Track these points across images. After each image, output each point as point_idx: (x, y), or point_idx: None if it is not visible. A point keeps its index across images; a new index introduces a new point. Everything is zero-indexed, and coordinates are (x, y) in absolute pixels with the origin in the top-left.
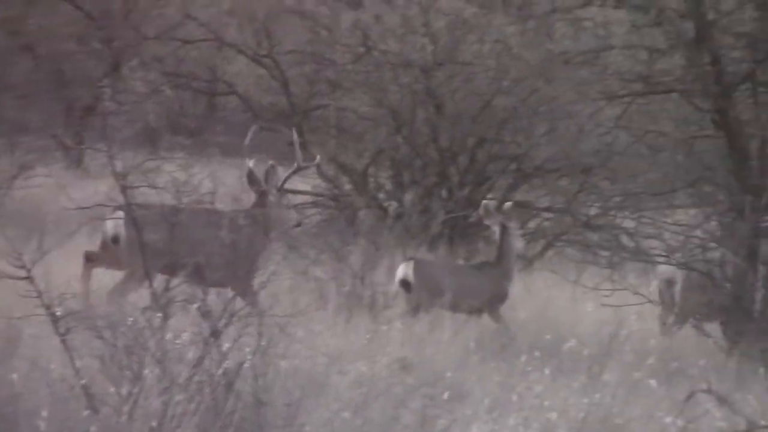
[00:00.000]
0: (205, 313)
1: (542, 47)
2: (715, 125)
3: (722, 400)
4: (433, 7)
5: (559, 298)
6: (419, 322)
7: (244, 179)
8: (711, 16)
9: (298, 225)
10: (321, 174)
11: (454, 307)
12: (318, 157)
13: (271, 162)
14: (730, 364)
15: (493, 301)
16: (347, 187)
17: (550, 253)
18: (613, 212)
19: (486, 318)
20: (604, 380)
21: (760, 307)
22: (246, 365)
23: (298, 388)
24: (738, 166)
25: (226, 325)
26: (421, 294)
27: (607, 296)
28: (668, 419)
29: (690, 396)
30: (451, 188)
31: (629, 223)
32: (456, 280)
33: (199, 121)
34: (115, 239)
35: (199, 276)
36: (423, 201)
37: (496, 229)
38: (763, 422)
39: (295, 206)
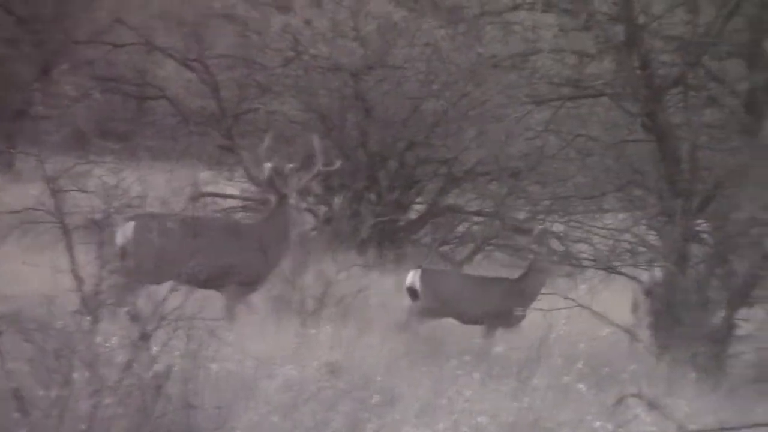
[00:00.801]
0: (135, 317)
1: (472, 51)
2: (645, 129)
3: (652, 405)
4: (362, 11)
5: None
6: (349, 325)
7: (264, 182)
8: (641, 19)
9: (315, 229)
10: (251, 178)
11: (461, 317)
12: (339, 162)
13: (291, 165)
14: (661, 368)
15: (495, 318)
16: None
17: (479, 256)
18: (542, 216)
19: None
20: (534, 384)
21: (690, 311)
22: (175, 368)
23: (228, 392)
24: (668, 170)
25: (156, 328)
26: (427, 302)
27: (536, 300)
28: (598, 423)
29: (620, 400)
30: (380, 192)
31: (559, 227)
32: (463, 290)
33: (128, 125)
34: (123, 250)
35: (220, 284)
36: (352, 205)
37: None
38: (693, 426)
39: (225, 210)
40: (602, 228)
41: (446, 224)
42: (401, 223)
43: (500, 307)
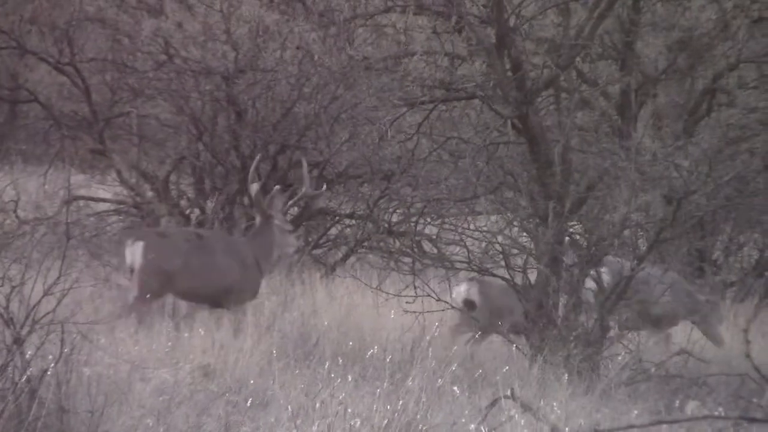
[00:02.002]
0: (8, 321)
1: (343, 54)
2: (516, 131)
3: (526, 407)
4: (234, 15)
5: (362, 305)
6: (221, 329)
7: (252, 202)
8: (512, 22)
9: (299, 250)
10: (123, 181)
11: (514, 328)
12: (324, 186)
13: (277, 186)
14: (534, 370)
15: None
16: (149, 194)
17: (352, 259)
18: (414, 219)
19: (292, 325)
20: (408, 387)
21: (563, 313)
22: (49, 373)
23: (102, 395)
24: (540, 172)
25: (29, 332)
26: (484, 315)
27: (409, 303)
28: (472, 426)
29: (493, 402)
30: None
31: (431, 230)
32: (515, 301)
33: (0, 129)
34: (131, 268)
35: (217, 301)
36: (225, 208)
37: None
38: (566, 428)
39: (98, 214)
40: (475, 230)
41: (319, 227)
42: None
43: None
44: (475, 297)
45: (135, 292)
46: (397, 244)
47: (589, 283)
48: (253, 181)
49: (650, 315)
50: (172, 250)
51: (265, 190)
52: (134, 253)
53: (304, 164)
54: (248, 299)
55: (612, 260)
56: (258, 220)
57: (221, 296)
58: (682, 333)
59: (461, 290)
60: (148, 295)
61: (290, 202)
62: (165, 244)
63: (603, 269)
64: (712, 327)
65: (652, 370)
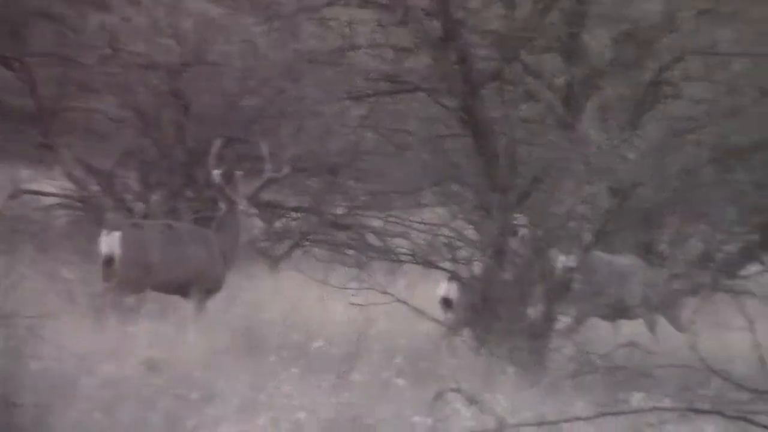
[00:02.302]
0: None
1: (288, 47)
2: (462, 124)
3: (471, 399)
4: (179, 9)
5: (307, 298)
6: (167, 322)
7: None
8: (458, 14)
9: (265, 233)
10: (68, 175)
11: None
12: (286, 168)
13: (240, 172)
14: (479, 363)
15: None
16: (95, 188)
17: (297, 252)
18: (359, 211)
19: (238, 319)
20: (353, 380)
21: (508, 306)
22: None
23: (48, 389)
24: (485, 164)
25: None
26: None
27: (354, 295)
28: (417, 418)
29: (439, 395)
30: (197, 189)
31: (376, 222)
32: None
33: None
34: (109, 260)
35: (186, 292)
36: (170, 201)
37: None
38: (512, 421)
39: (44, 208)
40: (420, 223)
41: (264, 220)
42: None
43: None
44: (453, 295)
45: (117, 285)
46: (343, 236)
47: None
48: (214, 167)
49: (624, 306)
50: (149, 242)
51: (227, 176)
52: (112, 243)
53: (264, 147)
54: (213, 290)
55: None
56: (222, 207)
57: (188, 286)
58: (628, 325)
59: (441, 289)
60: (128, 288)
61: (256, 187)
62: (141, 236)
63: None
64: (677, 314)
65: (598, 362)
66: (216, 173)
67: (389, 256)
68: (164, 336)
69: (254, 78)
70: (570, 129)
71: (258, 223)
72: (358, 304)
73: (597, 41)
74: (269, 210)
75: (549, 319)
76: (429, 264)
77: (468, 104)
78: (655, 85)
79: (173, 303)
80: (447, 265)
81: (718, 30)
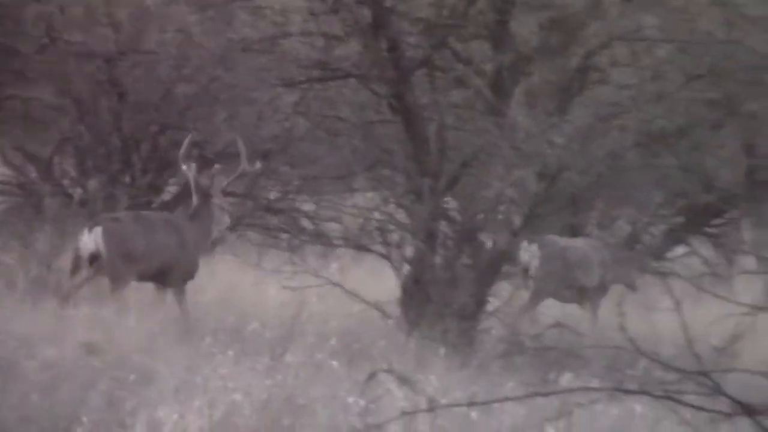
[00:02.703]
0: None
1: (222, 36)
2: (392, 110)
3: (403, 380)
4: None
5: (242, 282)
6: (106, 306)
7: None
8: (388, 2)
9: (232, 227)
10: (7, 162)
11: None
12: (259, 164)
13: (216, 166)
14: (411, 344)
15: None
16: (33, 174)
17: (232, 236)
18: (292, 196)
19: (174, 302)
20: (287, 361)
21: (439, 288)
22: None
23: None
24: (416, 149)
25: None
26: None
27: (288, 279)
28: (350, 399)
29: (371, 376)
30: (134, 175)
31: (309, 207)
32: None
33: None
34: (94, 256)
35: (163, 279)
36: (107, 187)
37: None
38: (443, 401)
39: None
40: (352, 207)
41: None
42: (155, 205)
43: None
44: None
45: (109, 280)
46: (276, 221)
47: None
48: (185, 160)
49: (586, 288)
50: (129, 233)
51: (145, 170)
52: (96, 238)
53: (240, 142)
54: (187, 279)
55: (545, 237)
56: (195, 199)
57: (162, 275)
58: (557, 306)
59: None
60: (122, 281)
61: (229, 180)
62: (122, 228)
63: (534, 245)
64: (634, 282)
65: (527, 343)
66: (188, 167)
67: (322, 239)
68: (103, 319)
69: (189, 66)
70: (498, 115)
71: (225, 219)
72: (292, 288)
73: (524, 28)
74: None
75: (479, 300)
76: (361, 247)
77: (398, 91)
78: (582, 71)
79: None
80: (379, 248)
81: (644, 16)
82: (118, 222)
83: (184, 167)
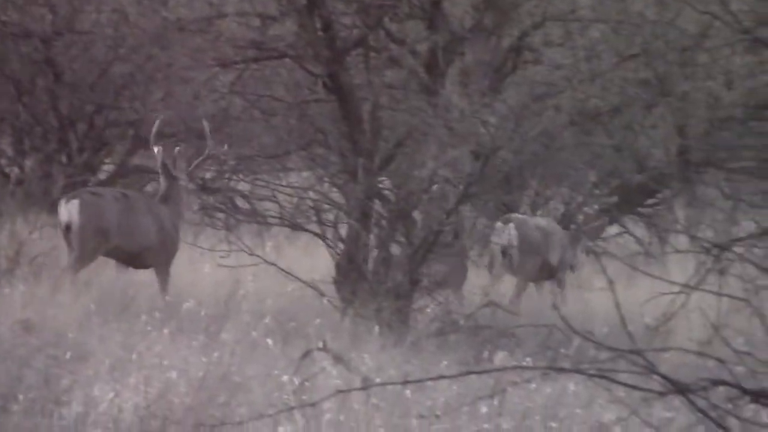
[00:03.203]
0: None
1: (158, 16)
2: (327, 90)
3: (337, 358)
4: None
5: (178, 260)
6: (42, 284)
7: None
8: None
9: (202, 208)
10: None
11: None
12: (226, 146)
13: (178, 148)
14: (345, 323)
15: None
16: None
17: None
18: (228, 175)
19: (109, 280)
20: (223, 339)
21: (373, 267)
22: None
23: None
24: (350, 129)
25: None
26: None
27: (223, 257)
28: (285, 377)
29: (306, 354)
30: (70, 154)
31: (244, 186)
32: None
33: None
34: (68, 227)
35: (140, 260)
36: (43, 167)
37: None
38: (378, 380)
39: None
40: (287, 186)
41: (135, 184)
42: (91, 184)
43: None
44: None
45: (76, 252)
46: (212, 200)
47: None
48: (155, 143)
49: (552, 266)
50: (106, 208)
51: (81, 149)
52: (71, 211)
53: (206, 125)
54: (169, 261)
55: (518, 217)
56: (163, 182)
57: (139, 256)
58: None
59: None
60: (88, 255)
61: (195, 162)
62: (99, 203)
63: (511, 225)
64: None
65: (461, 321)
66: (158, 149)
67: (257, 219)
68: (39, 297)
69: (125, 46)
70: (432, 94)
71: (194, 200)
72: (228, 266)
73: (458, 8)
74: (139, 174)
75: (413, 279)
76: (296, 226)
77: (333, 71)
78: (516, 51)
79: (48, 265)
80: (313, 227)
81: None
82: (98, 196)
83: (154, 150)
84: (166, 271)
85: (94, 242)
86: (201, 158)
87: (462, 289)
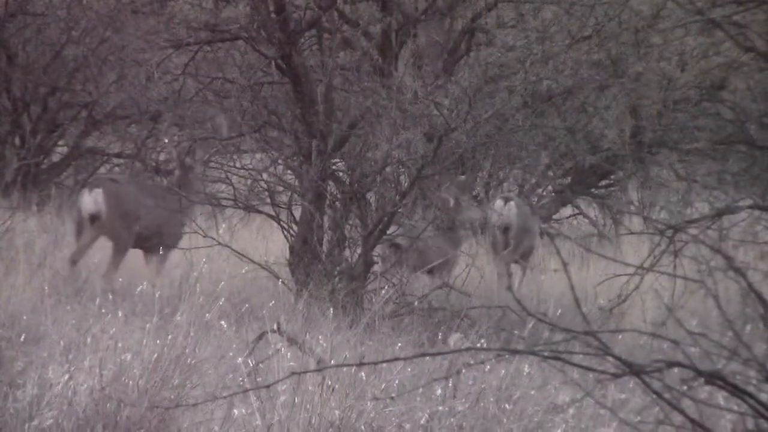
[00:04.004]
0: None
1: None
2: (280, 72)
3: (291, 340)
4: None
5: None
6: None
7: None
8: None
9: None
10: None
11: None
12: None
13: (195, 139)
14: (299, 305)
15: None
16: None
17: None
18: (183, 157)
19: (61, 262)
20: (177, 322)
21: (327, 249)
22: None
23: None
24: (304, 111)
25: None
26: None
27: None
28: (239, 359)
29: (260, 336)
30: (24, 136)
31: (198, 168)
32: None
33: None
34: (94, 216)
35: (154, 245)
36: None
37: None
38: (332, 361)
39: None
40: (240, 168)
41: (88, 166)
42: (44, 167)
43: None
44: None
45: (114, 243)
46: (165, 182)
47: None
48: (168, 135)
49: (531, 247)
50: (129, 193)
51: (34, 132)
52: (96, 200)
53: (220, 117)
54: (171, 247)
55: (514, 196)
56: (177, 172)
57: (149, 241)
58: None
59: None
60: (124, 242)
61: (211, 152)
62: (121, 189)
63: (511, 203)
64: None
65: (416, 303)
66: (171, 140)
67: (211, 201)
68: None
69: (78, 28)
70: (386, 76)
71: (202, 188)
72: (181, 248)
73: None
74: (92, 156)
75: (367, 261)
76: (250, 208)
77: (286, 52)
78: (468, 33)
79: (1, 248)
80: (267, 209)
81: None
82: (117, 183)
83: (166, 140)
84: (167, 257)
85: (126, 228)
86: (215, 148)
87: (450, 276)
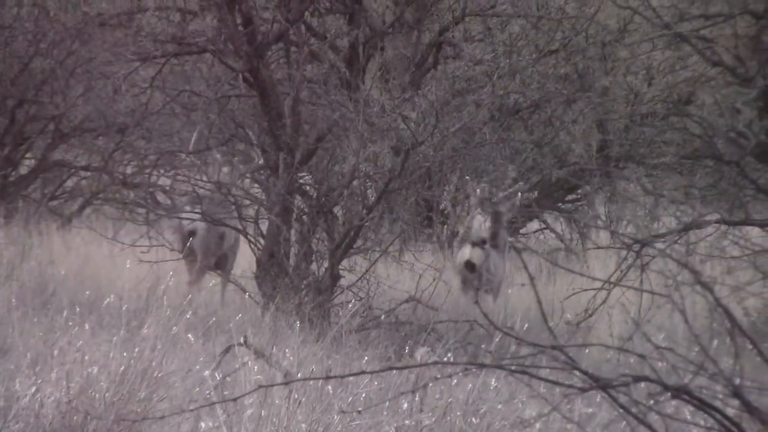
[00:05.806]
0: None
1: (78, 10)
2: (247, 84)
3: (258, 354)
4: None
5: (98, 255)
6: None
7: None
8: None
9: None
10: None
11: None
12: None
13: (236, 158)
14: (266, 318)
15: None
16: None
17: (88, 210)
18: (148, 170)
19: (30, 275)
20: (143, 334)
21: (294, 262)
22: None
23: None
24: (271, 124)
25: None
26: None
27: (144, 252)
28: (206, 372)
29: (227, 350)
30: None
31: (165, 181)
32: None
33: None
34: (192, 233)
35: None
36: None
37: None
38: (299, 375)
39: None
40: (208, 181)
41: (55, 179)
42: (12, 179)
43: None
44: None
45: (199, 257)
46: (132, 195)
47: None
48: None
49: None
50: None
51: (2, 144)
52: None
53: (251, 134)
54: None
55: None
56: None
57: (221, 260)
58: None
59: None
60: (208, 260)
61: (249, 170)
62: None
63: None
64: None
65: (382, 317)
66: (217, 158)
67: (178, 213)
68: None
69: (45, 40)
70: (353, 90)
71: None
72: (148, 261)
73: (378, 3)
74: (60, 169)
75: (333, 275)
76: (217, 222)
77: (253, 65)
78: (436, 46)
79: None
80: (234, 223)
81: None
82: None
83: (215, 158)
84: (229, 274)
85: (215, 246)
86: (254, 168)
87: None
